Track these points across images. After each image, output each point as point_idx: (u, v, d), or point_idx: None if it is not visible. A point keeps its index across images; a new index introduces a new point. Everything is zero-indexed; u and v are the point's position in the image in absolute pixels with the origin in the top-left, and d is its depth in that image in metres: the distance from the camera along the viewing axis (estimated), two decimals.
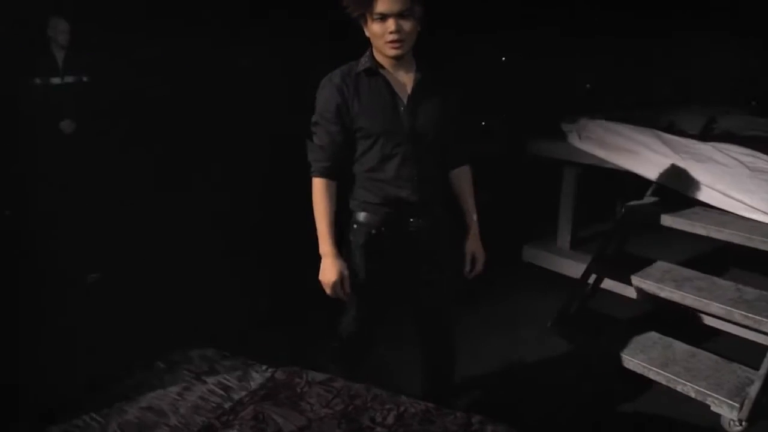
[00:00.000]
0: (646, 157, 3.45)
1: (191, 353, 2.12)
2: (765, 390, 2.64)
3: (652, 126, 3.93)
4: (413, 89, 2.03)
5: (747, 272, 3.69)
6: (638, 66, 4.66)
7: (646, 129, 3.60)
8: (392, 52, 1.94)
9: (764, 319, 2.77)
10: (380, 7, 1.87)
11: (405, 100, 2.02)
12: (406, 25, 1.89)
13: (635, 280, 3.20)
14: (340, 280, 2.03)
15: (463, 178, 2.28)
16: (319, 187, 2.07)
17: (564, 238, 4.35)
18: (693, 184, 3.25)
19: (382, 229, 2.09)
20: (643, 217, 3.42)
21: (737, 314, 2.84)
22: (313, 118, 2.08)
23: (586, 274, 3.42)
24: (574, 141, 3.94)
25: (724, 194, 3.16)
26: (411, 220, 2.10)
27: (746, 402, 2.62)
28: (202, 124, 4.46)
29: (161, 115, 4.32)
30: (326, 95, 2.04)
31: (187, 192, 4.37)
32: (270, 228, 4.45)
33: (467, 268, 2.28)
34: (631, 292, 3.73)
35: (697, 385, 2.75)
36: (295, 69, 4.25)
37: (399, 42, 1.91)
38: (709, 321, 3.42)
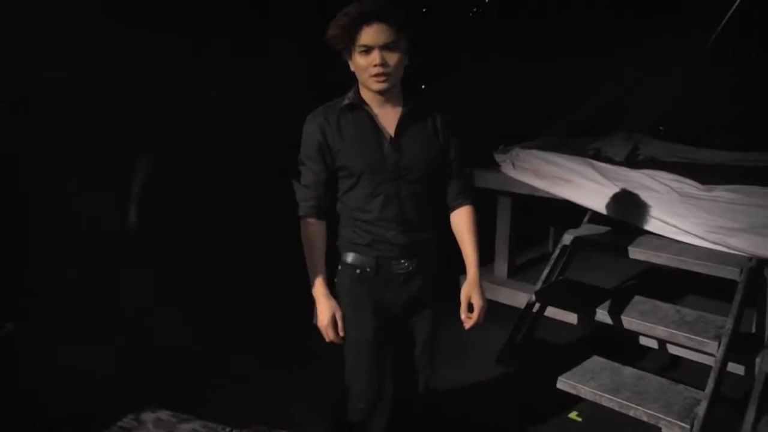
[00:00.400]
0: (582, 185, 3.54)
1: (144, 417, 1.95)
2: (712, 409, 2.72)
3: (580, 154, 4.07)
4: (399, 124, 1.96)
5: (677, 291, 3.83)
6: (565, 95, 4.80)
7: (579, 158, 3.71)
8: (377, 86, 1.88)
9: (706, 340, 2.87)
10: (364, 39, 1.82)
11: (390, 136, 1.95)
12: (392, 57, 1.84)
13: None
14: (334, 323, 1.96)
15: (462, 218, 2.16)
16: (307, 227, 2.01)
17: (501, 267, 4.40)
18: (627, 210, 3.36)
19: (368, 270, 2.02)
20: (583, 244, 3.49)
21: (681, 336, 2.93)
22: (299, 157, 2.02)
23: (531, 303, 3.44)
24: (509, 171, 4.00)
25: (657, 219, 3.28)
26: (401, 262, 2.02)
27: (696, 422, 2.68)
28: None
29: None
30: (309, 133, 1.98)
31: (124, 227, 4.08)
32: (225, 264, 4.21)
33: (462, 315, 2.10)
34: (572, 318, 3.80)
35: (648, 409, 2.79)
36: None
37: (384, 75, 1.85)
38: (648, 342, 3.51)
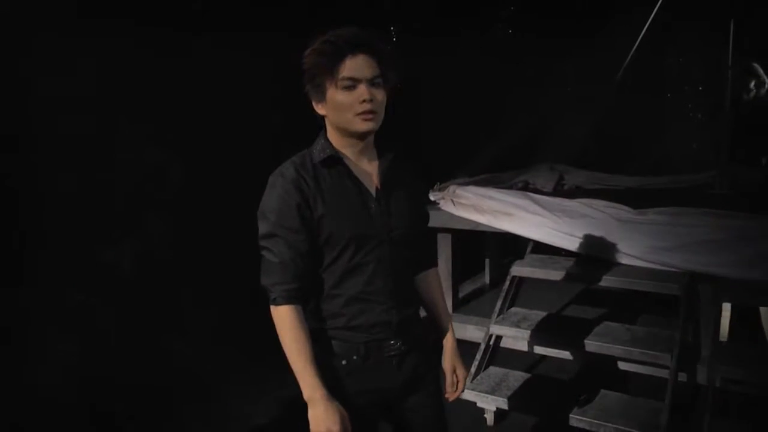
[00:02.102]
0: (523, 218, 3.71)
1: None
2: (672, 418, 2.91)
3: (510, 186, 4.28)
4: (381, 180, 1.71)
5: (608, 308, 4.08)
6: (482, 130, 5.03)
7: (517, 191, 3.90)
8: (364, 126, 1.60)
9: (660, 354, 3.09)
10: (348, 71, 1.56)
11: (374, 194, 1.69)
12: (379, 94, 1.59)
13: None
14: (344, 429, 1.55)
15: (433, 282, 1.94)
16: (287, 317, 1.60)
17: (446, 302, 4.48)
18: (570, 238, 3.55)
19: (355, 358, 1.69)
20: (530, 274, 3.65)
21: (637, 353, 3.14)
22: (264, 229, 1.64)
23: (489, 335, 3.55)
24: (449, 208, 4.12)
25: (598, 245, 3.49)
26: (392, 342, 1.72)
27: None
28: None
29: None
30: (281, 195, 1.61)
31: None
32: None
33: (448, 389, 1.90)
34: (523, 345, 3.95)
35: (615, 424, 2.95)
36: None
37: (372, 113, 1.59)
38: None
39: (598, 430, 2.99)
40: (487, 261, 4.78)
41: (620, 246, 3.44)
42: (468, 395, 3.31)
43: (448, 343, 1.92)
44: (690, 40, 5.02)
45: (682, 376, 3.43)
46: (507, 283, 3.69)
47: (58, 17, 3.52)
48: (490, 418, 3.34)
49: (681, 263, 3.30)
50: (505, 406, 3.27)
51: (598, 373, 3.62)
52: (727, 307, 3.50)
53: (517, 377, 3.46)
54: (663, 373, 3.12)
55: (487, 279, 4.82)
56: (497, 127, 4.93)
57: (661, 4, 4.18)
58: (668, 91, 5.35)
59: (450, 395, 1.91)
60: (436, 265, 1.98)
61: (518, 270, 3.67)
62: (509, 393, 3.31)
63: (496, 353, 3.67)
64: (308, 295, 1.67)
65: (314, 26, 1.68)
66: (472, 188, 4.06)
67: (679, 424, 3.00)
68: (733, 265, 3.15)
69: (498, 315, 3.60)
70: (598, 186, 4.47)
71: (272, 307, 1.62)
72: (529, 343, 3.67)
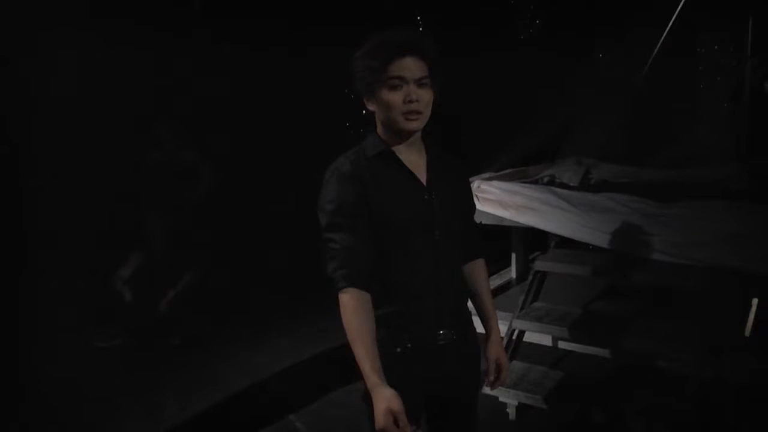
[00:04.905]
0: (547, 212, 3.68)
1: None
2: (697, 414, 2.89)
3: (536, 181, 4.26)
4: (430, 173, 1.77)
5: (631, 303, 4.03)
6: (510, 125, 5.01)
7: (541, 186, 3.88)
8: (409, 125, 1.66)
9: (683, 349, 3.08)
10: (396, 70, 1.62)
11: (425, 185, 1.75)
12: (425, 95, 1.65)
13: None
14: (393, 416, 1.51)
15: (479, 273, 1.95)
16: (351, 302, 1.62)
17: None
18: (594, 233, 3.52)
19: (408, 345, 1.73)
20: (553, 269, 3.64)
21: (660, 348, 3.14)
22: (325, 220, 1.68)
23: (510, 329, 3.56)
24: (475, 203, 4.12)
25: (622, 239, 3.45)
26: (441, 332, 1.75)
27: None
28: None
29: None
30: (339, 186, 1.67)
31: None
32: None
33: (491, 377, 1.90)
34: (545, 340, 3.95)
35: (638, 420, 2.95)
36: None
37: (417, 113, 1.65)
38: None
39: (620, 425, 2.99)
40: (513, 256, 4.77)
41: (644, 240, 3.39)
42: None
43: (493, 334, 1.92)
44: (712, 36, 4.92)
45: (710, 373, 3.40)
46: (531, 277, 3.69)
47: None
48: (512, 412, 3.35)
49: (706, 258, 3.24)
50: (527, 401, 3.28)
51: (622, 369, 3.60)
52: (753, 302, 3.43)
53: (539, 372, 3.46)
54: (688, 369, 3.09)
55: (513, 274, 4.81)
56: (524, 122, 4.90)
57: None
58: (696, 83, 5.24)
59: (491, 385, 1.92)
60: (483, 256, 1.99)
61: (542, 264, 3.66)
62: (531, 388, 3.31)
63: (519, 348, 3.67)
64: (369, 282, 1.70)
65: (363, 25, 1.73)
66: (496, 183, 4.05)
67: (704, 420, 2.97)
68: (760, 259, 3.09)
69: (521, 309, 3.60)
70: (626, 180, 4.42)
71: (339, 295, 1.65)
72: (551, 338, 3.66)
